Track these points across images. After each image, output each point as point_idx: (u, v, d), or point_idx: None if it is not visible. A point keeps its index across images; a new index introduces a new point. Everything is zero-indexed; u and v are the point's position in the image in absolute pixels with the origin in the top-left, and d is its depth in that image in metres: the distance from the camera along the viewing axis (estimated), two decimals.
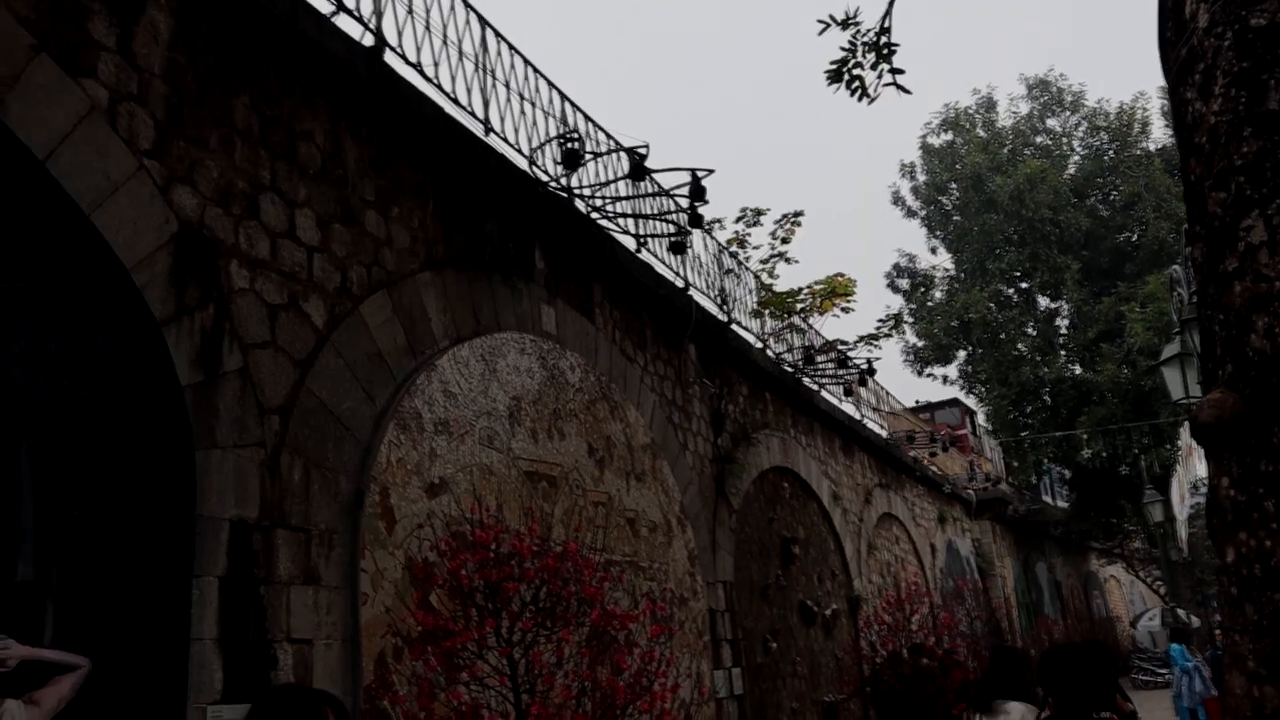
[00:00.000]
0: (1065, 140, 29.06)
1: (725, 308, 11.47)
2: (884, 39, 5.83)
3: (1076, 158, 28.77)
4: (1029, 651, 16.63)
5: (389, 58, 6.31)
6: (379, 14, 6.28)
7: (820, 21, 5.88)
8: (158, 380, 4.66)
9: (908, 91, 5.90)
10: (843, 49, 5.99)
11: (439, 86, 6.85)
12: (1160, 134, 27.62)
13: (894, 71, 5.87)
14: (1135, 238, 27.13)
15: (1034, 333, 27.73)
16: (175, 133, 4.81)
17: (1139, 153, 27.62)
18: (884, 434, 18.30)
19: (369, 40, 6.19)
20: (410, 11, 6.64)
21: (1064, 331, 27.97)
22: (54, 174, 4.18)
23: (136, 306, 4.55)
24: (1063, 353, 27.35)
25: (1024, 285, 28.20)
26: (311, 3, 5.72)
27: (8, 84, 4.00)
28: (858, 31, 5.93)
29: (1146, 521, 25.21)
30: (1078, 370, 26.56)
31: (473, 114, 7.21)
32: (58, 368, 4.83)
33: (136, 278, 4.49)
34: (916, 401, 28.09)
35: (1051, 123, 29.43)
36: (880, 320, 14.74)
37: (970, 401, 29.54)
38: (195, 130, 4.93)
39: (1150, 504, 22.82)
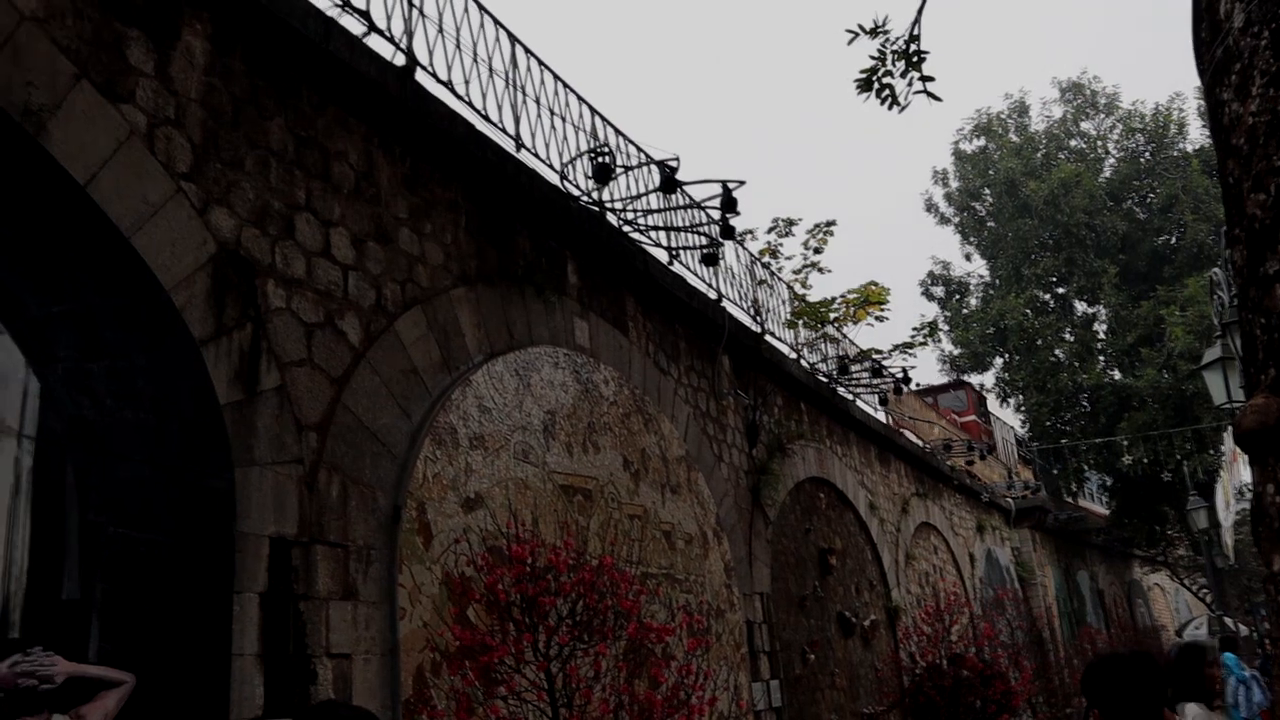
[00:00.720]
0: (1100, 143, 28.78)
1: (758, 318, 11.45)
2: (913, 46, 5.82)
3: (1112, 160, 28.47)
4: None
5: (420, 76, 6.37)
6: (410, 34, 6.34)
7: (849, 31, 5.87)
8: (197, 399, 4.72)
9: (938, 99, 5.87)
10: (872, 58, 5.98)
11: (470, 104, 6.91)
12: (1197, 135, 27.30)
13: (924, 79, 5.85)
14: (1174, 240, 26.77)
15: (1071, 338, 27.40)
16: (212, 155, 4.88)
17: (1176, 154, 27.28)
18: (920, 442, 18.15)
19: (400, 60, 6.25)
20: (441, 30, 6.71)
21: (1102, 337, 27.63)
22: (94, 198, 4.25)
23: (176, 327, 4.61)
24: (1101, 358, 27.01)
25: (1060, 291, 27.90)
26: (344, 24, 5.79)
27: (50, 111, 4.08)
28: (886, 40, 5.92)
29: (1190, 528, 24.81)
30: (1117, 376, 26.23)
31: (503, 130, 7.26)
32: (100, 388, 4.91)
33: (176, 298, 4.56)
34: (918, 385, 26.35)
35: (1086, 126, 29.17)
36: (915, 328, 14.67)
37: (1007, 414, 29.26)
38: (231, 153, 5.00)
39: (1194, 510, 22.45)
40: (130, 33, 4.55)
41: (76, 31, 4.27)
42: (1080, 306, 28.11)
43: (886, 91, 5.96)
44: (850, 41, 5.92)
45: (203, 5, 4.95)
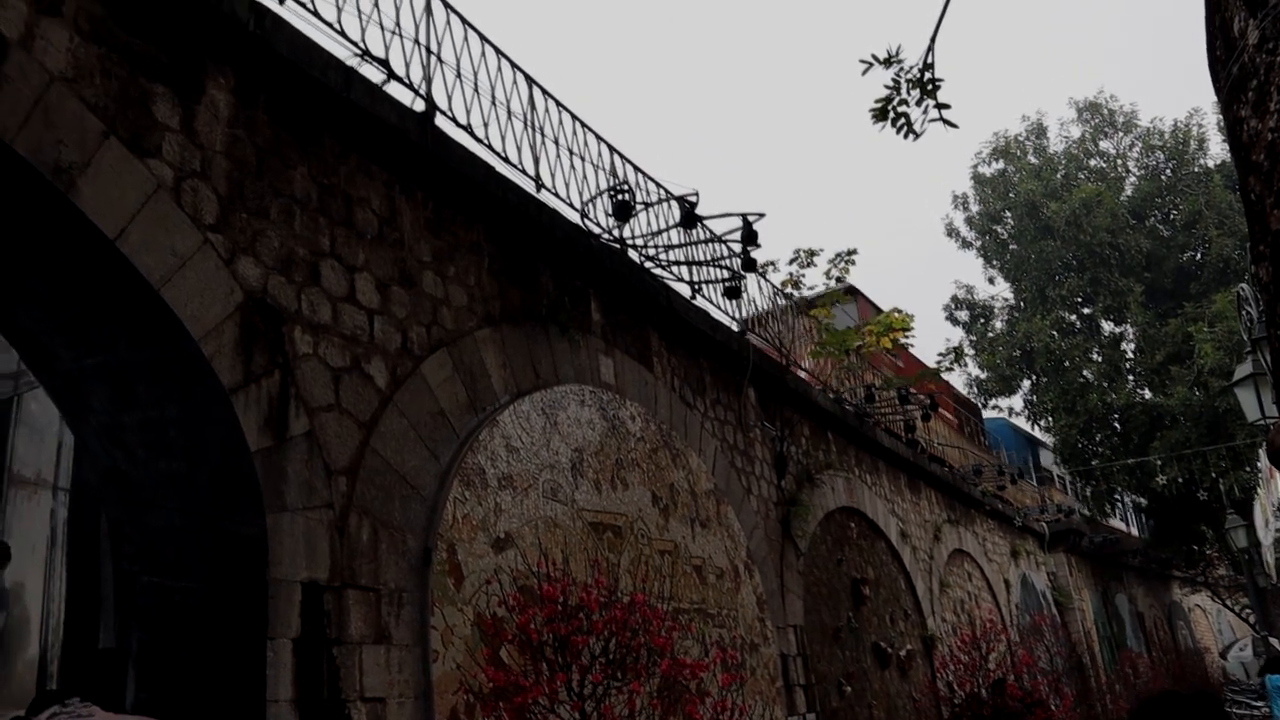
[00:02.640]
0: (1120, 162, 28.68)
1: (783, 349, 11.44)
2: (928, 75, 5.84)
3: (1133, 179, 28.35)
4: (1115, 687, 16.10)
5: (440, 121, 6.45)
6: (429, 80, 6.43)
7: (863, 62, 5.90)
8: (228, 446, 4.76)
9: (954, 125, 5.88)
10: (887, 87, 6.00)
11: (489, 146, 6.99)
12: (1218, 149, 27.16)
13: (939, 106, 5.86)
14: (1199, 256, 26.57)
15: (1099, 359, 27.16)
16: (238, 205, 4.95)
17: (1197, 170, 27.14)
18: (949, 468, 18.01)
19: (420, 106, 6.34)
20: (459, 75, 6.80)
21: (1131, 356, 27.37)
22: (124, 251, 4.32)
23: (206, 376, 4.66)
24: (1131, 378, 26.75)
25: (1086, 311, 27.71)
26: (364, 73, 5.88)
27: (80, 168, 4.17)
28: (901, 69, 5.94)
29: (1230, 548, 24.40)
30: (1147, 395, 25.94)
31: (523, 171, 7.33)
32: (133, 440, 4.96)
33: (205, 348, 4.61)
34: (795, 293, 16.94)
35: (1105, 145, 29.09)
36: (941, 354, 14.60)
37: (1037, 432, 28.99)
38: (256, 202, 5.07)
39: (1233, 529, 22.10)
40: (156, 89, 4.64)
41: (104, 89, 4.36)
42: (1107, 326, 27.89)
43: (902, 120, 5.97)
44: (865, 72, 5.95)
45: (226, 59, 5.04)
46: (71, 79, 4.21)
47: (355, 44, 5.88)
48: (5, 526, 7.33)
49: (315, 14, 5.58)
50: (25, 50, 4.02)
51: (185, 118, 4.77)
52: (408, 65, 6.30)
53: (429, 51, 6.53)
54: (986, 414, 27.50)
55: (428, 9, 6.57)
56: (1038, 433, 29.11)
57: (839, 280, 12.42)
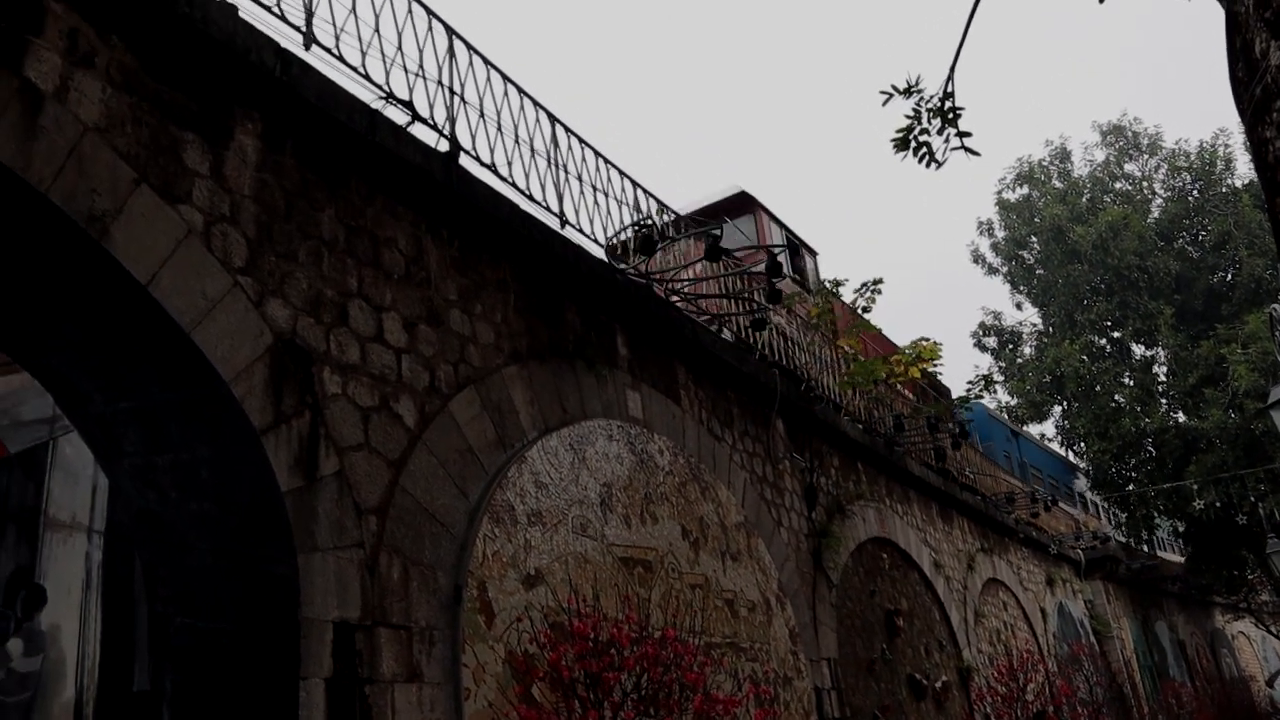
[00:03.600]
0: (1146, 184, 28.49)
1: (810, 380, 11.41)
2: (948, 103, 5.85)
3: (1159, 201, 28.14)
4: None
5: (464, 161, 6.52)
6: (452, 120, 6.51)
7: (883, 93, 5.92)
8: (258, 487, 4.79)
9: (976, 153, 5.89)
10: (907, 116, 6.02)
11: (514, 184, 7.06)
12: (1245, 169, 26.90)
13: (961, 135, 5.87)
14: (1229, 277, 26.29)
15: (1131, 382, 26.86)
16: (266, 248, 5.02)
17: (1225, 190, 26.90)
18: (981, 496, 17.83)
19: (444, 146, 6.41)
20: (482, 115, 6.88)
21: (1163, 379, 27.05)
22: (155, 296, 4.39)
23: (236, 417, 4.71)
24: (1164, 401, 26.42)
25: (1116, 335, 27.44)
26: (388, 114, 5.97)
27: (112, 216, 4.24)
28: (921, 98, 5.96)
29: (1272, 572, 23.96)
30: (1181, 418, 25.60)
31: (547, 208, 7.39)
32: (165, 481, 5.01)
33: (235, 389, 4.66)
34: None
35: (1130, 168, 28.92)
36: (970, 381, 14.50)
37: (1071, 456, 28.65)
38: (285, 245, 5.14)
39: (1275, 554, 21.69)
40: (186, 136, 4.73)
41: (136, 138, 4.45)
42: (1138, 350, 27.60)
43: (924, 150, 5.99)
44: (885, 103, 5.97)
45: (254, 105, 5.13)
46: (104, 129, 4.30)
47: (380, 87, 5.97)
48: (41, 570, 7.39)
49: (340, 59, 5.68)
50: (60, 102, 4.11)
51: (214, 163, 4.85)
52: (431, 106, 6.39)
53: (452, 92, 6.62)
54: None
55: (450, 51, 6.67)
56: (1071, 457, 28.77)
57: (865, 310, 12.39)
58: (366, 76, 5.87)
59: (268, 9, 5.23)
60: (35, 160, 3.97)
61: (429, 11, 6.48)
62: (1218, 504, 24.49)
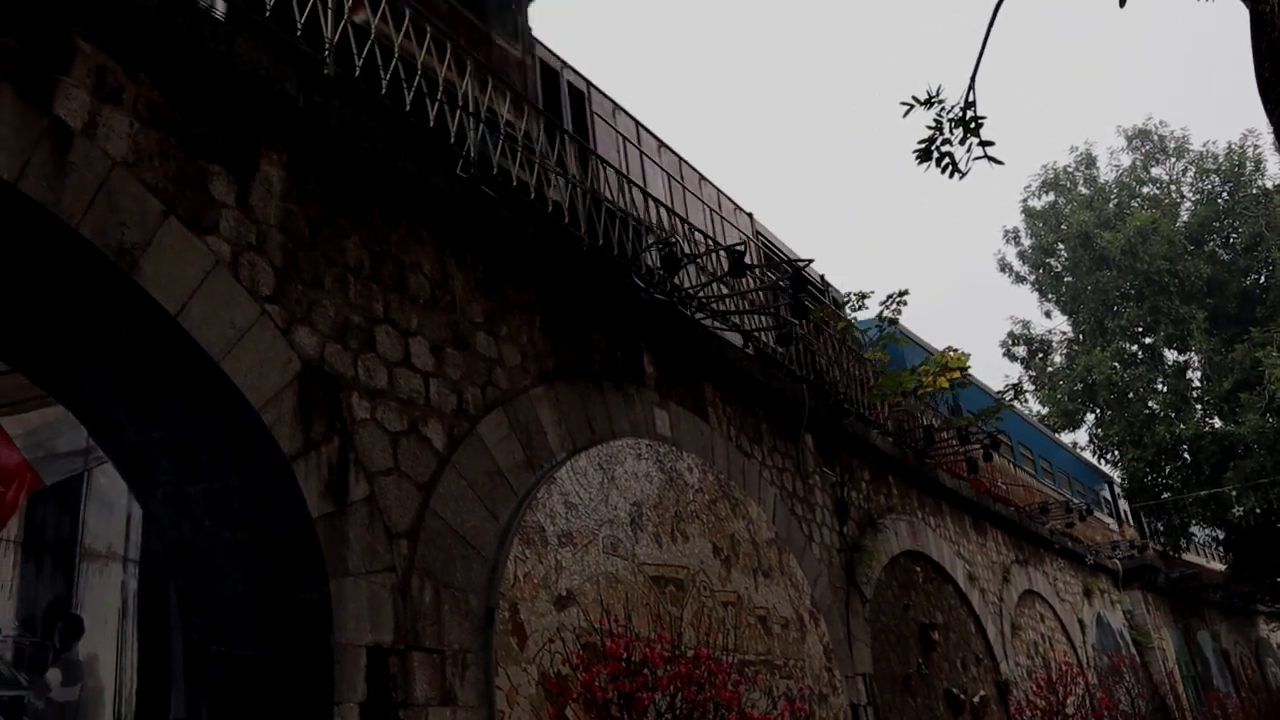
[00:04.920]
0: (1174, 188, 28.23)
1: (839, 394, 11.35)
2: (970, 113, 5.83)
3: (1188, 204, 27.86)
4: None
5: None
6: (475, 144, 6.55)
7: (904, 104, 5.92)
8: (290, 514, 4.82)
9: (1000, 162, 5.86)
10: (929, 127, 6.00)
11: (536, 206, 7.07)
12: (1276, 170, 26.72)
13: (984, 144, 5.85)
14: (1263, 279, 25.97)
15: (1164, 389, 26.53)
16: (293, 276, 5.06)
17: (1255, 191, 26.61)
18: (1014, 508, 17.65)
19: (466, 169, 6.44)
20: (503, 136, 6.91)
21: (1197, 384, 26.71)
22: (185, 326, 4.43)
23: (266, 445, 4.74)
24: (1199, 407, 26.07)
25: (1148, 341, 27.14)
26: (410, 140, 6.00)
27: (141, 248, 4.29)
28: (942, 109, 5.94)
29: None
30: (1217, 424, 25.25)
31: (571, 229, 7.40)
32: (198, 510, 5.05)
33: (265, 417, 4.70)
34: None
35: (1157, 171, 28.68)
36: (999, 391, 14.37)
37: (1105, 467, 28.32)
38: (311, 272, 5.18)
39: None
40: (213, 168, 4.78)
41: (164, 172, 4.51)
42: (1170, 355, 27.27)
43: (946, 160, 5.96)
44: (906, 114, 5.96)
45: (278, 135, 5.19)
46: (132, 163, 4.36)
47: (401, 112, 6.01)
48: (78, 600, 7.45)
49: (360, 86, 5.73)
50: (89, 138, 4.18)
51: (241, 194, 4.90)
52: (453, 130, 6.43)
53: (472, 115, 6.66)
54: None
55: (473, 74, 6.71)
56: (1105, 466, 28.44)
57: (892, 322, 12.33)
58: (387, 103, 5.91)
59: (290, 41, 5.29)
60: (66, 196, 4.03)
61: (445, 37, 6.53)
62: (1258, 510, 24.09)
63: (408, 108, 6.06)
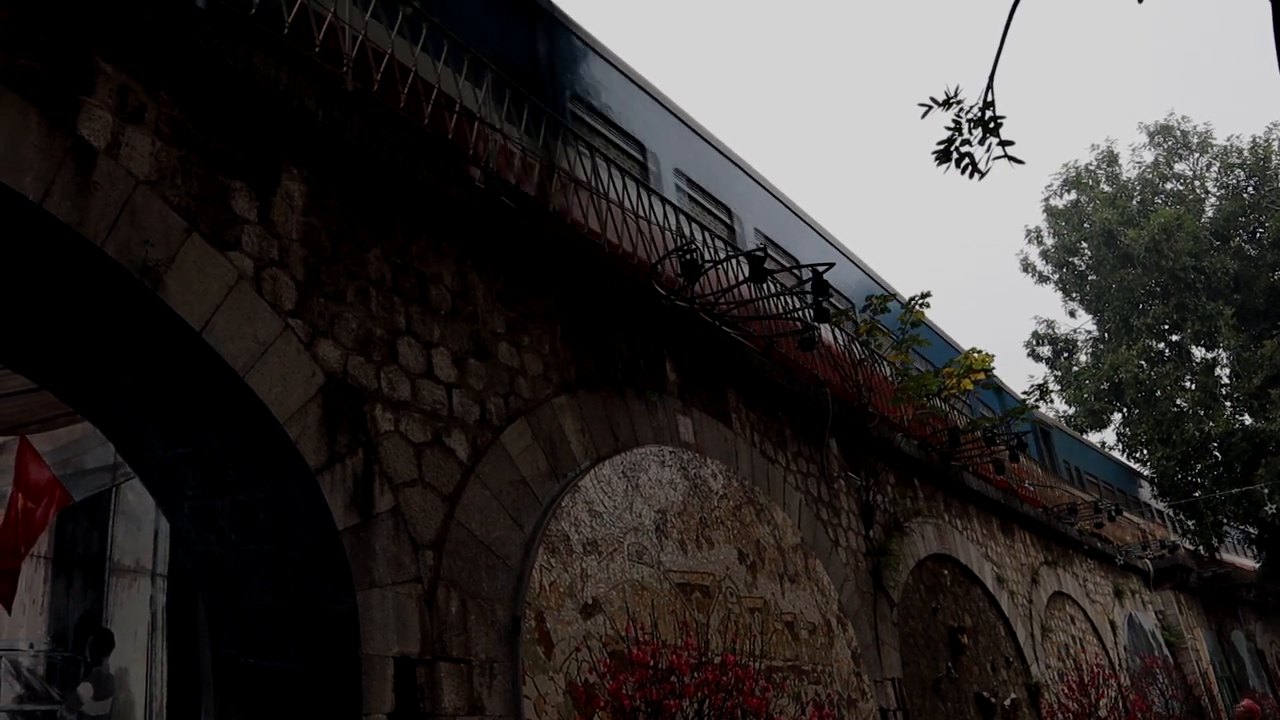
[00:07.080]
0: (1198, 183, 27.95)
1: (862, 398, 11.31)
2: (989, 113, 5.80)
3: (1213, 200, 27.58)
4: None
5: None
6: (493, 154, 6.57)
7: (922, 105, 5.89)
8: (316, 526, 4.85)
9: (1020, 161, 5.82)
10: (948, 128, 5.97)
11: (555, 216, 7.10)
12: None
13: (1003, 144, 5.81)
14: None
15: (1193, 386, 26.25)
16: (315, 290, 5.10)
17: None
18: (1043, 509, 17.50)
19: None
20: (521, 146, 6.94)
21: (1226, 381, 26.41)
22: (209, 342, 4.47)
23: (292, 458, 4.77)
24: (1228, 404, 25.77)
25: (1174, 338, 26.87)
26: (429, 152, 6.03)
27: (165, 265, 4.33)
28: (961, 108, 5.91)
29: None
30: (1248, 421, 24.96)
31: (591, 238, 7.42)
32: (225, 524, 5.08)
33: (290, 430, 4.73)
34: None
35: (1180, 167, 28.40)
36: (1025, 392, 14.26)
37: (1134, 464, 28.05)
38: (333, 286, 5.22)
39: None
40: (234, 184, 4.83)
41: (186, 189, 4.55)
42: (1198, 352, 26.97)
43: (966, 160, 5.93)
44: (924, 115, 5.94)
45: (298, 150, 5.23)
46: (155, 181, 4.40)
47: (419, 125, 6.04)
48: (108, 614, 7.53)
49: (378, 99, 5.76)
50: (112, 157, 4.22)
51: (262, 209, 4.94)
52: (471, 140, 6.46)
53: (490, 126, 6.69)
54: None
55: (489, 86, 6.74)
56: (1133, 464, 28.17)
57: (914, 325, 12.26)
58: (406, 115, 5.94)
59: (309, 57, 5.33)
60: (90, 215, 4.07)
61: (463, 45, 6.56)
62: None
63: (426, 120, 6.09)
